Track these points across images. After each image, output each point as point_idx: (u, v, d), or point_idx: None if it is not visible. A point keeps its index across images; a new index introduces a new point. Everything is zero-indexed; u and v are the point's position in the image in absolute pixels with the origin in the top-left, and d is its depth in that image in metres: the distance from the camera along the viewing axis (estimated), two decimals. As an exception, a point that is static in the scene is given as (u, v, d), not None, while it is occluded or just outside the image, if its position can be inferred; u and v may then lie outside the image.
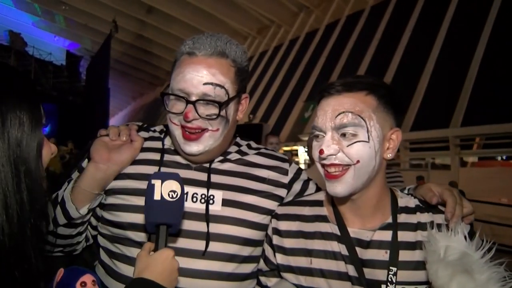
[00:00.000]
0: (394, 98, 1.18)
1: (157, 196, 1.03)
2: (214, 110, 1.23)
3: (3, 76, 0.86)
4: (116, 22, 16.66)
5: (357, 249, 1.17)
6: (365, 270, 1.14)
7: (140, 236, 1.23)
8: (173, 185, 1.05)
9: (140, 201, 1.23)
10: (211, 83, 1.22)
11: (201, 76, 1.21)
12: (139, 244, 1.20)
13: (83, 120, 15.91)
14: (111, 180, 1.29)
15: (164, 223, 1.04)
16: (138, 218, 1.23)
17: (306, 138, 10.87)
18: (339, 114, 1.13)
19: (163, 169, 1.31)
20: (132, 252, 1.23)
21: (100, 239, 1.35)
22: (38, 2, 17.18)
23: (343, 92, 1.15)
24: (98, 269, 1.34)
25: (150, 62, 22.79)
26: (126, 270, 1.23)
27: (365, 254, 1.16)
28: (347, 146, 1.12)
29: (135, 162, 1.31)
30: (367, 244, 1.17)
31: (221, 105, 1.23)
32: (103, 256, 1.33)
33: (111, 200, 1.29)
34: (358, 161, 1.11)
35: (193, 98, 1.22)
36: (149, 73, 23.96)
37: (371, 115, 1.13)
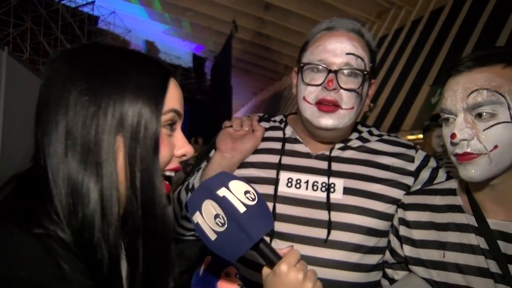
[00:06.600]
0: None
1: (240, 207, 0.78)
2: (353, 85, 1.23)
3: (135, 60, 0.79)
4: (236, 22, 17.44)
5: (500, 243, 1.03)
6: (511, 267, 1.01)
7: None
8: (238, 185, 0.82)
9: (262, 189, 1.26)
10: (354, 54, 1.23)
11: (344, 46, 1.23)
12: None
13: (211, 117, 17.03)
14: (235, 168, 1.34)
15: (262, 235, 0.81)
16: None
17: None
18: (471, 92, 0.98)
19: (269, 158, 1.32)
20: None
21: None
22: (168, 11, 18.85)
23: (475, 68, 1.00)
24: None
25: (269, 58, 23.32)
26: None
27: (511, 249, 1.02)
28: (484, 130, 0.97)
29: (258, 151, 1.35)
30: None
31: (364, 75, 1.23)
32: None
33: None
34: (496, 147, 0.96)
35: (335, 68, 1.22)
36: (269, 68, 24.56)
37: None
